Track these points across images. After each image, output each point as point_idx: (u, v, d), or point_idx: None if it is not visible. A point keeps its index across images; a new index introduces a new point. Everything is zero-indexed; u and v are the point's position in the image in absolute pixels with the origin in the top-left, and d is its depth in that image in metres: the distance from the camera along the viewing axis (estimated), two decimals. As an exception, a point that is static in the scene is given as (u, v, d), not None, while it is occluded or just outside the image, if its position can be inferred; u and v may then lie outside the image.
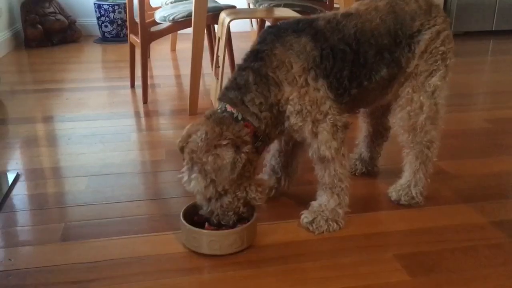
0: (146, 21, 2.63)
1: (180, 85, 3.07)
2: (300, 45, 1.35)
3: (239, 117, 1.33)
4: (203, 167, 1.27)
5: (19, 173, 1.79)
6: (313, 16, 1.46)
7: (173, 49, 4.08)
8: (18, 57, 3.78)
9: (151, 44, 3.46)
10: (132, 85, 2.95)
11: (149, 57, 3.61)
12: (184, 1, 3.01)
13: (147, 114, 2.49)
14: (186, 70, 3.38)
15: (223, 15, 2.45)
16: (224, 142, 1.26)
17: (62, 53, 3.92)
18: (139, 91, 2.82)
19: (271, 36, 1.37)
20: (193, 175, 1.30)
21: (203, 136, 1.28)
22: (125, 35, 4.37)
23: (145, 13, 2.61)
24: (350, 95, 1.41)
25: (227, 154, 1.25)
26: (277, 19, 2.82)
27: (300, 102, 1.33)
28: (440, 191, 1.69)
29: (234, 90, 1.35)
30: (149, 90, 2.77)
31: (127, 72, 3.04)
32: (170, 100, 2.73)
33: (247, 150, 1.28)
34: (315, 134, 1.36)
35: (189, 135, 1.34)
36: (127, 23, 2.85)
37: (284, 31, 1.38)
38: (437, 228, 1.47)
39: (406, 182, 1.59)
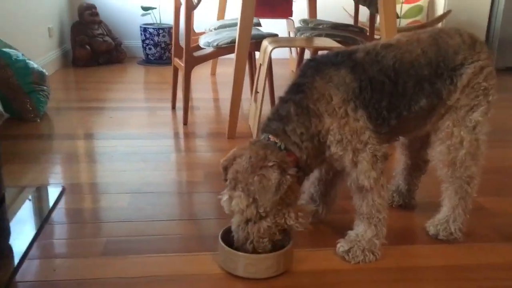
0: (191, 46, 2.71)
1: (219, 108, 3.14)
2: (339, 78, 1.37)
3: (282, 147, 1.36)
4: (247, 186, 1.29)
5: (64, 187, 1.86)
6: (353, 47, 1.48)
7: (213, 73, 4.17)
8: (65, 75, 3.94)
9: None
10: (173, 107, 3.04)
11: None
12: (228, 28, 3.09)
13: (187, 135, 2.56)
14: (224, 94, 3.46)
15: (265, 43, 2.51)
16: (270, 164, 1.29)
17: (107, 73, 4.07)
18: (179, 112, 2.91)
19: (311, 70, 1.41)
20: (236, 193, 1.32)
21: (248, 159, 1.32)
22: (168, 58, 4.51)
23: (193, 37, 2.71)
24: (389, 125, 1.42)
25: (273, 175, 1.27)
26: (317, 49, 2.87)
27: (340, 132, 1.36)
28: (479, 228, 1.66)
29: (276, 121, 1.38)
30: (189, 112, 2.84)
31: (168, 94, 3.13)
32: (209, 122, 2.79)
33: (293, 173, 1.31)
34: (354, 164, 1.38)
35: (234, 157, 1.37)
36: (172, 47, 2.95)
37: (324, 64, 1.41)
38: (474, 266, 1.45)
39: (444, 217, 1.57)
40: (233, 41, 2.60)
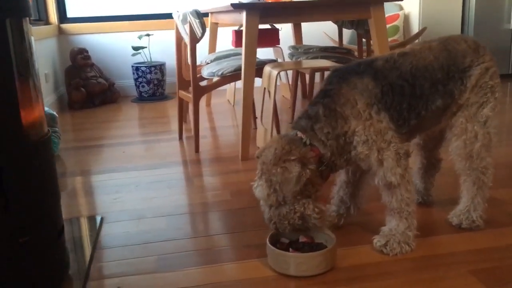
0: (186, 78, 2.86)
1: (223, 135, 3.26)
2: (363, 85, 1.53)
3: (307, 142, 1.51)
4: (269, 177, 1.45)
5: (102, 217, 1.94)
6: (371, 57, 1.64)
7: (208, 104, 4.32)
8: (64, 118, 4.02)
9: (187, 101, 3.71)
10: (180, 137, 3.15)
11: (187, 113, 3.84)
12: (225, 59, 3.26)
13: (202, 161, 2.67)
14: (223, 122, 3.61)
15: (268, 68, 2.67)
16: (292, 158, 1.44)
17: (105, 113, 4.17)
18: (186, 142, 3.03)
19: (337, 78, 1.56)
20: (260, 182, 1.49)
21: (273, 151, 1.46)
22: (161, 94, 4.64)
23: (188, 71, 2.85)
24: (409, 125, 1.57)
25: (294, 168, 1.43)
26: (316, 70, 3.04)
27: (365, 133, 1.49)
28: (496, 215, 1.81)
29: (306, 119, 1.53)
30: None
31: (168, 127, 3.26)
32: (219, 148, 2.91)
33: (312, 168, 1.46)
34: (380, 162, 1.51)
35: (264, 149, 1.52)
36: (177, 81, 3.08)
37: (348, 73, 1.56)
38: (502, 247, 1.59)
39: (465, 207, 1.71)
40: (237, 69, 2.75)
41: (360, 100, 1.51)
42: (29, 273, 1.30)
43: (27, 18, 1.29)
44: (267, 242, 1.52)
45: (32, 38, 1.34)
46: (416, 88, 1.55)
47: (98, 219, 1.91)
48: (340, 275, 1.46)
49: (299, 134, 1.52)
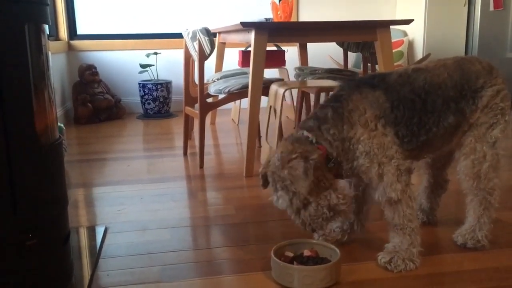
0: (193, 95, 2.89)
1: (228, 152, 3.28)
2: (374, 97, 1.54)
3: (314, 141, 1.52)
4: (283, 183, 1.46)
5: (106, 227, 1.94)
6: (385, 71, 1.67)
7: (213, 122, 4.35)
8: (70, 132, 4.05)
9: (193, 118, 3.74)
10: (185, 153, 3.17)
11: (192, 130, 3.87)
12: (232, 77, 3.30)
13: (206, 177, 2.68)
14: (227, 140, 3.63)
15: (274, 87, 2.70)
16: (294, 156, 1.45)
17: (110, 128, 4.20)
18: (191, 158, 3.04)
19: (349, 86, 1.58)
20: (279, 193, 1.49)
21: (279, 156, 1.47)
22: (166, 111, 4.68)
23: (196, 87, 2.89)
24: (418, 141, 1.58)
25: (299, 164, 1.43)
26: (322, 90, 3.08)
27: (369, 144, 1.50)
28: (501, 237, 1.81)
29: (313, 120, 1.55)
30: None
31: (173, 143, 3.29)
32: (223, 165, 2.93)
33: (314, 157, 1.45)
34: (380, 176, 1.51)
35: (269, 161, 1.52)
36: (184, 97, 3.12)
37: (362, 84, 1.58)
38: (507, 267, 1.58)
39: (471, 227, 1.71)
40: (244, 87, 2.79)
41: (369, 110, 1.52)
42: (33, 276, 1.30)
43: (45, 26, 1.32)
44: (272, 254, 1.51)
45: (48, 46, 1.37)
46: (428, 103, 1.57)
47: (102, 229, 1.91)
48: (344, 290, 1.46)
49: (306, 133, 1.53)
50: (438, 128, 1.58)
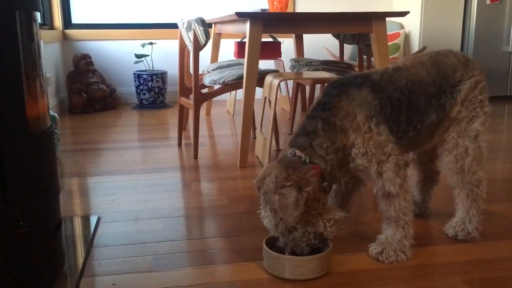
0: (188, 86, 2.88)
1: (222, 144, 3.28)
2: (361, 97, 1.53)
3: (307, 160, 1.49)
4: (273, 206, 1.43)
5: (99, 216, 1.94)
6: (366, 71, 1.66)
7: (208, 113, 4.34)
8: (64, 122, 4.04)
9: (188, 109, 3.73)
10: (179, 144, 3.17)
11: (187, 120, 3.86)
12: (228, 68, 3.29)
13: (200, 167, 2.68)
14: (222, 131, 3.63)
15: (269, 78, 2.70)
16: (289, 184, 1.42)
17: (104, 118, 4.19)
18: (185, 149, 3.04)
19: (336, 90, 1.56)
20: (266, 214, 1.47)
21: (273, 179, 1.45)
22: (161, 102, 4.66)
23: (191, 78, 2.88)
24: (408, 137, 1.59)
25: (291, 194, 1.41)
26: (317, 81, 3.07)
27: (365, 146, 1.50)
28: (491, 228, 1.82)
29: (304, 136, 1.53)
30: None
31: (168, 134, 3.28)
32: (217, 156, 2.93)
33: (308, 190, 1.43)
34: (380, 174, 1.52)
35: (264, 177, 1.49)
36: (178, 87, 3.11)
37: (347, 85, 1.56)
38: (496, 258, 1.59)
39: (460, 220, 1.72)
40: (239, 77, 2.78)
41: (360, 113, 1.51)
42: (24, 264, 1.30)
43: (37, 13, 1.31)
44: (264, 244, 1.52)
45: (40, 34, 1.36)
46: (413, 102, 1.57)
47: (95, 218, 1.91)
48: (335, 280, 1.47)
49: (298, 152, 1.51)
50: (422, 126, 1.59)
